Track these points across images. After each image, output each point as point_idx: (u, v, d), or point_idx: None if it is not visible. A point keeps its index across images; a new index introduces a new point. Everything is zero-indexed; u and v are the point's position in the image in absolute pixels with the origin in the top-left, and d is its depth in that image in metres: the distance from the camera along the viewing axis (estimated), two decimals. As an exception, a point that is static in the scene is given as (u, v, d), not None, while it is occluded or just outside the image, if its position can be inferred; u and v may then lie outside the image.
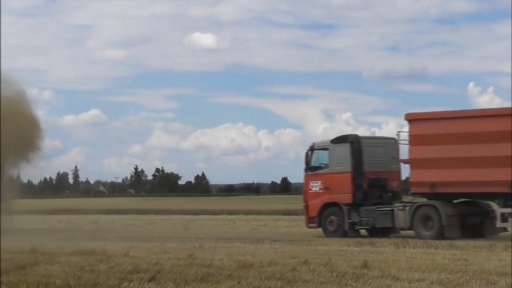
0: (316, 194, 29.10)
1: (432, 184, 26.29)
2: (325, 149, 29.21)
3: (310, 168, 29.48)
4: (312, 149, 29.44)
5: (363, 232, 28.84)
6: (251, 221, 45.65)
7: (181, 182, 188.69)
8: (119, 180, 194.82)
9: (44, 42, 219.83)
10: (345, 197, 28.42)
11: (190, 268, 14.30)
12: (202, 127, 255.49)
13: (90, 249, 18.91)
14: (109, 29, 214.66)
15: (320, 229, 29.02)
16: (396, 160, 28.02)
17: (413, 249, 20.31)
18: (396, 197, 28.81)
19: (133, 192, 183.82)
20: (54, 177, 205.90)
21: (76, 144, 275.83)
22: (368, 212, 27.96)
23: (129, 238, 28.34)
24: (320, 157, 29.39)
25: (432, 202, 26.55)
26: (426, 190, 26.59)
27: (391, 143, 28.44)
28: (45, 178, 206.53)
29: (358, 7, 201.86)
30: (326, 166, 29.15)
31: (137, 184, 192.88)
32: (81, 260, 16.10)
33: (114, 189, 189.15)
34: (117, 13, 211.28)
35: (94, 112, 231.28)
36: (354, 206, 28.30)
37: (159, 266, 14.91)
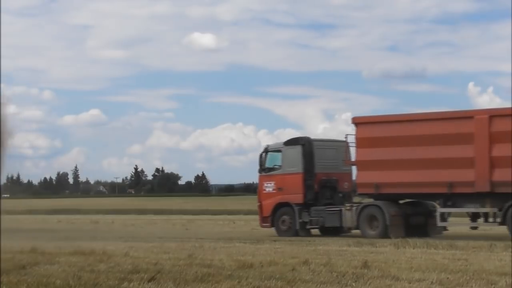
0: (270, 195, 30.21)
1: (377, 185, 27.41)
2: (279, 151, 30.30)
3: (264, 169, 30.54)
4: (266, 151, 30.62)
5: (315, 231, 29.90)
6: (251, 221, 45.64)
7: (181, 182, 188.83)
8: (119, 180, 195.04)
9: (44, 42, 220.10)
10: (296, 198, 29.53)
11: (190, 268, 14.30)
12: (202, 127, 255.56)
13: (90, 249, 18.90)
14: (109, 29, 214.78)
15: (273, 229, 30.13)
16: (345, 162, 28.87)
17: (413, 249, 20.31)
18: (347, 198, 29.74)
19: (133, 192, 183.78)
20: (54, 177, 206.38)
21: (76, 144, 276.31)
22: (317, 212, 29.04)
23: (129, 238, 28.36)
24: (274, 159, 30.47)
25: (377, 202, 27.62)
26: (371, 191, 27.69)
27: (343, 146, 29.10)
28: (45, 178, 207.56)
29: (357, 7, 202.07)
30: (280, 167, 30.21)
31: (137, 184, 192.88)
32: (81, 260, 16.10)
33: (114, 189, 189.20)
34: (116, 13, 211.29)
35: (94, 112, 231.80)
36: (305, 206, 29.39)
37: (159, 266, 14.90)
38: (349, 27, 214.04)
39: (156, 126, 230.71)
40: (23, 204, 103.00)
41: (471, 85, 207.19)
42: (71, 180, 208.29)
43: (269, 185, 30.32)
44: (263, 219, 30.46)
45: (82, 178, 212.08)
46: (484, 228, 27.19)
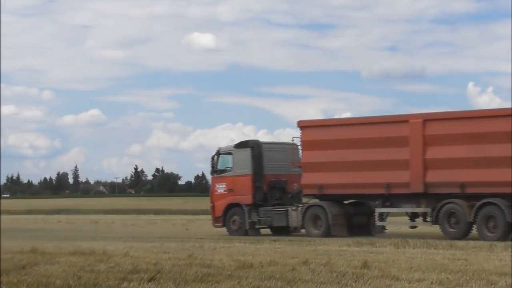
0: (221, 196, 31.24)
1: (321, 186, 28.44)
2: (230, 153, 31.31)
3: (216, 172, 31.59)
4: (218, 153, 31.55)
5: (266, 231, 30.86)
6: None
7: (181, 182, 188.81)
8: (119, 180, 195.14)
9: (44, 42, 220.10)
10: (246, 198, 30.52)
11: (190, 268, 14.30)
12: (201, 127, 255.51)
13: (90, 249, 18.91)
14: (108, 29, 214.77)
15: (224, 228, 31.20)
16: (292, 164, 29.80)
17: (413, 249, 20.32)
18: (295, 198, 30.62)
19: (133, 192, 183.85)
20: (54, 177, 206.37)
21: (76, 144, 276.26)
22: (266, 212, 30.05)
23: (129, 238, 28.38)
24: (225, 161, 31.50)
25: (320, 202, 28.71)
26: (315, 191, 28.75)
27: (292, 148, 30.01)
28: (45, 178, 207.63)
29: (357, 7, 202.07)
30: (231, 169, 31.18)
31: (137, 184, 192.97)
32: (81, 260, 16.09)
33: (114, 189, 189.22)
34: (116, 13, 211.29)
35: (94, 112, 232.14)
36: (255, 206, 30.39)
37: (159, 266, 14.90)
38: (349, 27, 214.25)
39: (156, 126, 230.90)
40: (23, 204, 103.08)
41: (470, 85, 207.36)
42: (71, 180, 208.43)
43: (220, 186, 31.34)
44: (215, 219, 31.48)
45: (82, 178, 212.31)
46: (421, 227, 28.02)
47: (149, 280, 12.32)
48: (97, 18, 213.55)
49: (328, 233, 27.80)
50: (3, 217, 56.26)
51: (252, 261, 15.50)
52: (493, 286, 12.09)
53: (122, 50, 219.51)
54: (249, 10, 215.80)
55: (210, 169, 31.85)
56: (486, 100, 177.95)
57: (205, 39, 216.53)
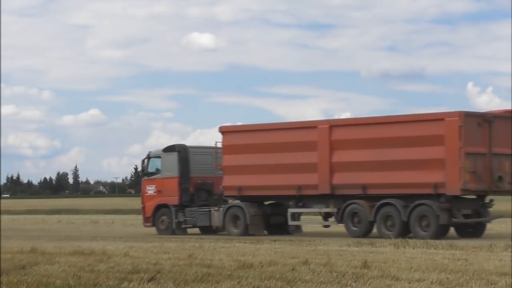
0: (151, 197, 33.07)
1: (240, 188, 30.14)
2: (159, 157, 32.96)
3: (146, 174, 33.43)
4: (148, 157, 33.29)
5: (195, 230, 32.42)
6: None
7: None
8: (119, 180, 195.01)
9: (43, 42, 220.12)
10: (173, 199, 32.17)
11: (190, 268, 14.31)
12: (201, 127, 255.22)
13: (90, 249, 18.92)
14: (108, 29, 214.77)
15: (154, 228, 32.85)
16: (216, 167, 31.42)
17: (413, 249, 20.32)
18: (221, 200, 31.96)
19: (133, 192, 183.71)
20: (54, 177, 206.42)
21: (76, 144, 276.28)
22: (191, 212, 31.71)
23: (129, 238, 28.39)
24: (155, 164, 33.24)
25: (240, 203, 30.48)
26: (235, 193, 30.54)
27: (218, 152, 31.54)
28: (45, 178, 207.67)
29: (356, 7, 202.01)
30: (160, 172, 32.84)
31: (137, 184, 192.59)
32: (81, 260, 16.10)
33: (114, 189, 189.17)
34: (115, 13, 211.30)
35: (93, 112, 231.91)
36: (181, 207, 32.00)
37: (159, 266, 14.91)
38: (348, 27, 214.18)
39: (155, 126, 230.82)
40: (23, 204, 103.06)
41: (470, 85, 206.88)
42: (71, 180, 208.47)
43: (150, 188, 33.12)
44: (146, 219, 33.32)
45: (82, 178, 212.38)
46: (334, 226, 29.42)
47: (149, 280, 12.32)
48: (97, 18, 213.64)
49: (246, 232, 29.49)
50: (3, 217, 56.27)
51: (252, 261, 15.51)
52: (493, 286, 12.09)
53: (122, 50, 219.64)
54: (248, 10, 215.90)
55: (140, 172, 34.33)
56: (486, 100, 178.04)
57: (204, 39, 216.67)
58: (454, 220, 26.36)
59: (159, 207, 32.58)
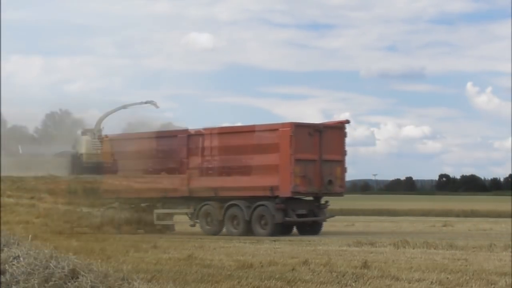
0: None
1: (118, 191, 33.06)
2: None
3: None
4: None
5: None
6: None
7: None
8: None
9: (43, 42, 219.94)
10: None
11: (190, 268, 14.31)
12: (201, 127, 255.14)
13: (90, 249, 18.89)
14: (108, 29, 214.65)
15: None
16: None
17: (413, 249, 20.31)
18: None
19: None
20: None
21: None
22: None
23: (130, 238, 28.36)
24: None
25: (115, 205, 33.02)
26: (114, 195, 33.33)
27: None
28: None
29: (355, 7, 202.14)
30: None
31: None
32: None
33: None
34: (115, 13, 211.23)
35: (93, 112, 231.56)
36: None
37: (159, 266, 14.90)
38: (347, 27, 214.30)
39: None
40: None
41: (469, 85, 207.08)
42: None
43: None
44: None
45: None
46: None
47: (149, 280, 12.32)
48: (96, 18, 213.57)
49: (120, 232, 30.82)
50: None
51: (252, 261, 15.51)
52: (493, 286, 12.10)
53: (122, 50, 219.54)
54: (247, 10, 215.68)
55: None
56: (485, 100, 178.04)
57: (203, 39, 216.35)
58: (288, 219, 28.90)
59: None
